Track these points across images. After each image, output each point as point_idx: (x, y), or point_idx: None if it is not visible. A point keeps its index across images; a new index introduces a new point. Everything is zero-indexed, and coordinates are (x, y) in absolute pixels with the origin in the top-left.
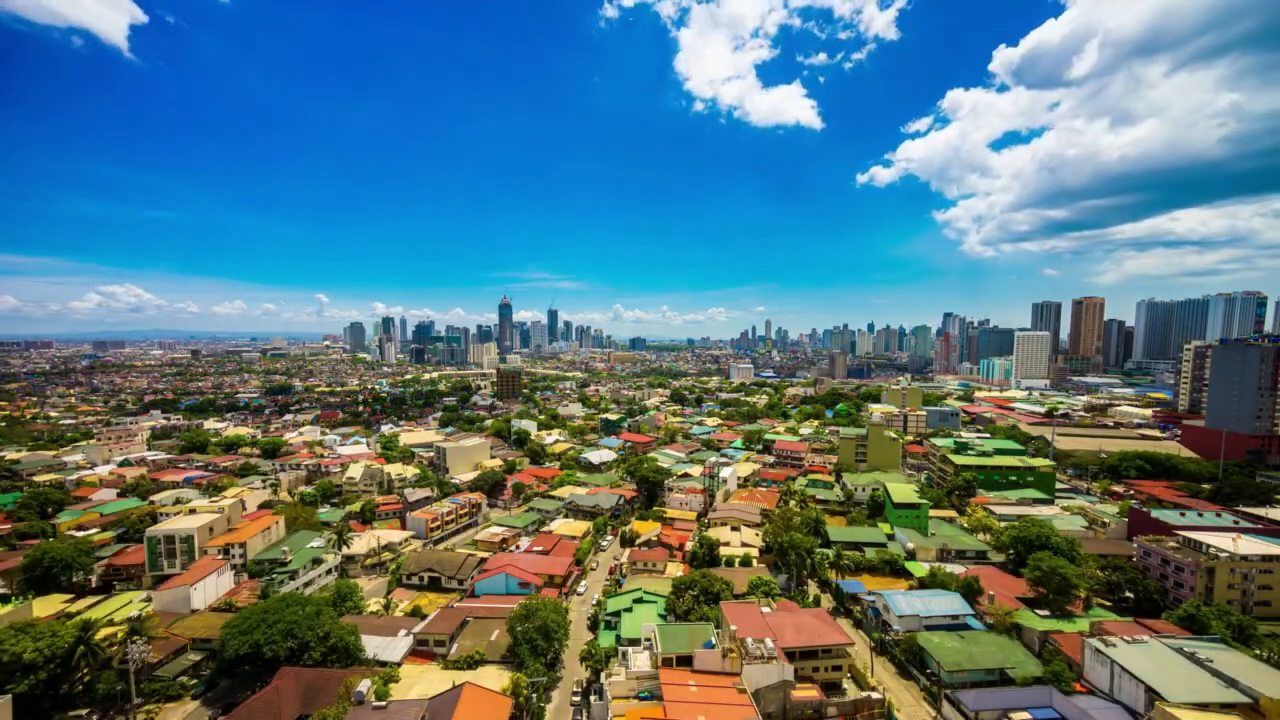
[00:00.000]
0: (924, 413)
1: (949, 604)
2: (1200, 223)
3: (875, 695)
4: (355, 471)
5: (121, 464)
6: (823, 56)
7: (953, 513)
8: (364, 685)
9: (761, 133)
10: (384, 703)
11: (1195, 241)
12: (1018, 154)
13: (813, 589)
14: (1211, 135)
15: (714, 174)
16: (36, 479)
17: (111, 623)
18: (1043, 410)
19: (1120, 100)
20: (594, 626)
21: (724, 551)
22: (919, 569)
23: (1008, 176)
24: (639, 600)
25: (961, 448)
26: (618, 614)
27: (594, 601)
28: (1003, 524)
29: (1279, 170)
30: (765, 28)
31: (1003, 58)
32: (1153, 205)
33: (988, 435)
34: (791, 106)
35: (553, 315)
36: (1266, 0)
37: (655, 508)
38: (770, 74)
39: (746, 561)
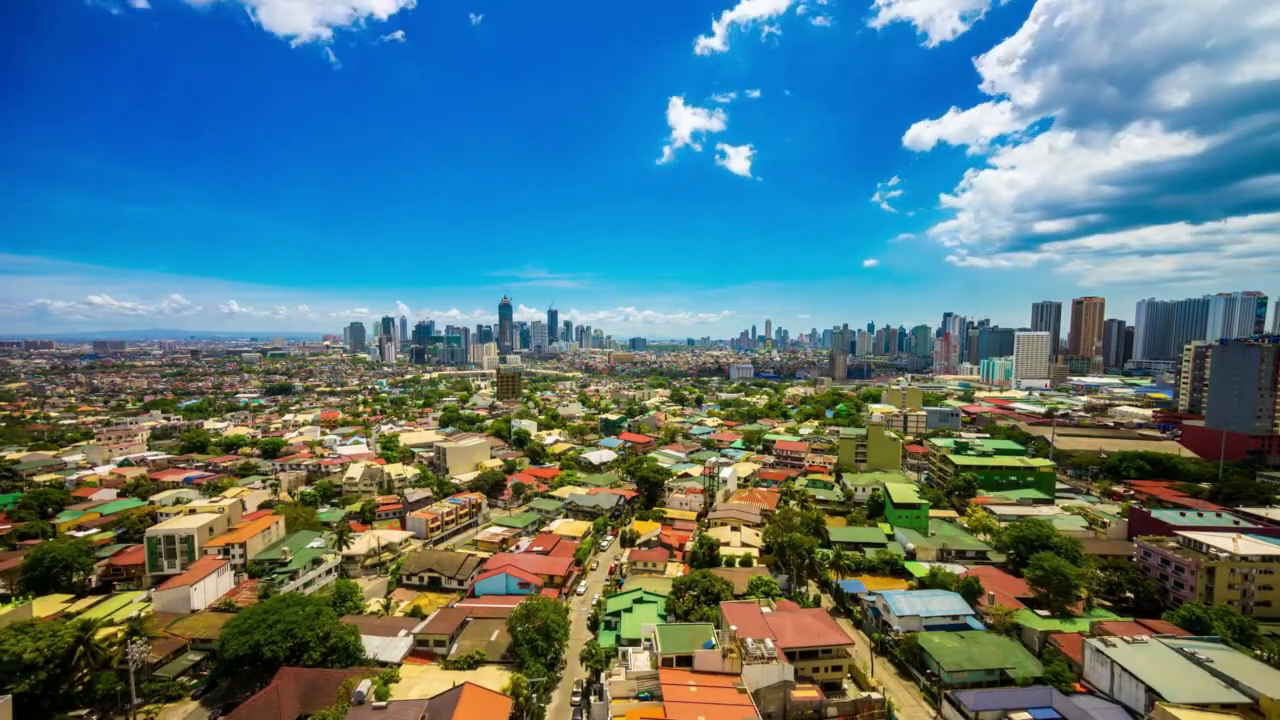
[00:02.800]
0: (924, 413)
1: (949, 604)
2: (1148, 236)
3: (875, 695)
4: (355, 471)
5: (121, 464)
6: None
7: (953, 513)
8: (364, 685)
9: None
10: (384, 703)
11: (1145, 251)
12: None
13: (813, 589)
14: (1079, 178)
15: (704, 196)
16: (36, 479)
17: (111, 623)
18: (1043, 410)
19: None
20: (594, 626)
21: (724, 551)
22: (919, 569)
23: (965, 205)
24: (639, 600)
25: (961, 448)
26: (618, 614)
27: (594, 601)
28: (1003, 524)
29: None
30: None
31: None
32: (1085, 229)
33: (988, 435)
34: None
35: (553, 315)
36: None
37: (655, 508)
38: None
39: (747, 562)
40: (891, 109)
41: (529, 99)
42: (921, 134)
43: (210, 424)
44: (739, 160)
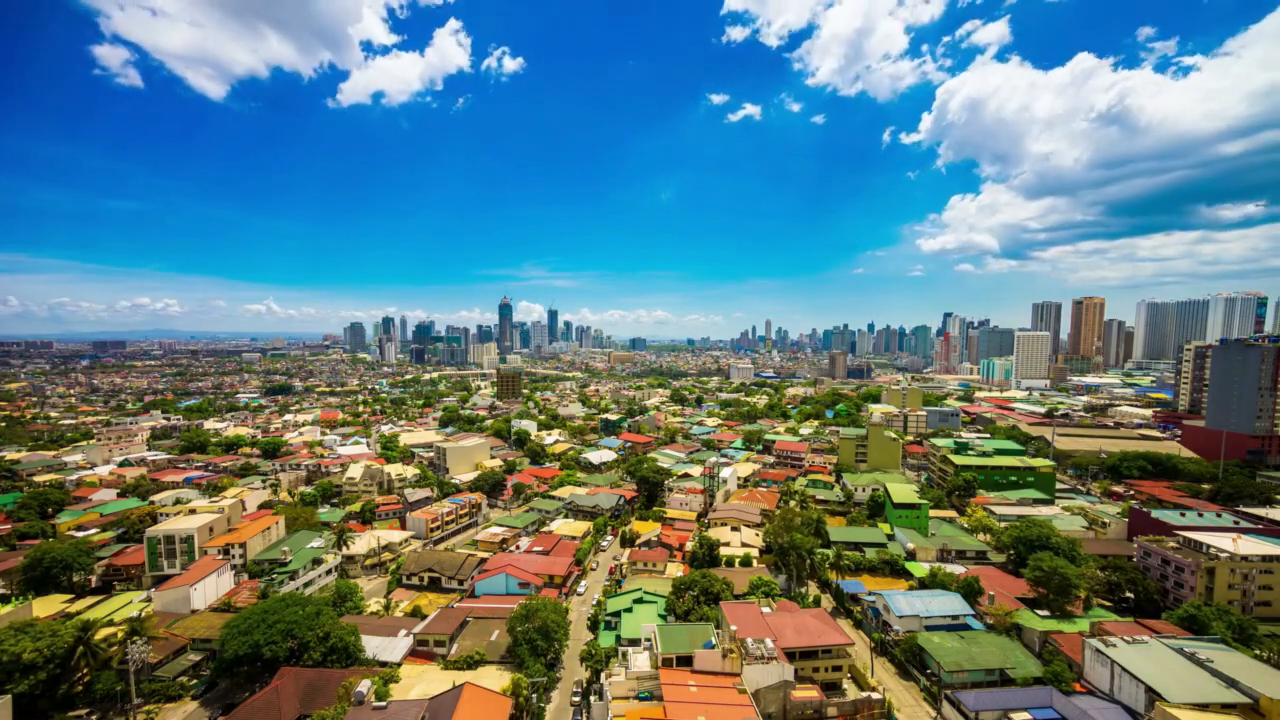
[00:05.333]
0: (924, 413)
1: (949, 604)
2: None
3: (875, 695)
4: (355, 471)
5: (121, 464)
6: None
7: (953, 513)
8: (364, 685)
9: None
10: (384, 703)
11: (1125, 258)
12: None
13: (813, 589)
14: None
15: (705, 217)
16: (36, 479)
17: (111, 623)
18: (1043, 410)
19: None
20: (594, 626)
21: (724, 552)
22: (919, 569)
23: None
24: (639, 600)
25: (961, 448)
26: (618, 614)
27: (594, 601)
28: (1003, 524)
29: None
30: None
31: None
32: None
33: (988, 435)
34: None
35: (553, 315)
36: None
37: (655, 508)
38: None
39: (746, 562)
40: (857, 161)
41: (523, 139)
42: (888, 171)
43: (210, 424)
44: (736, 193)
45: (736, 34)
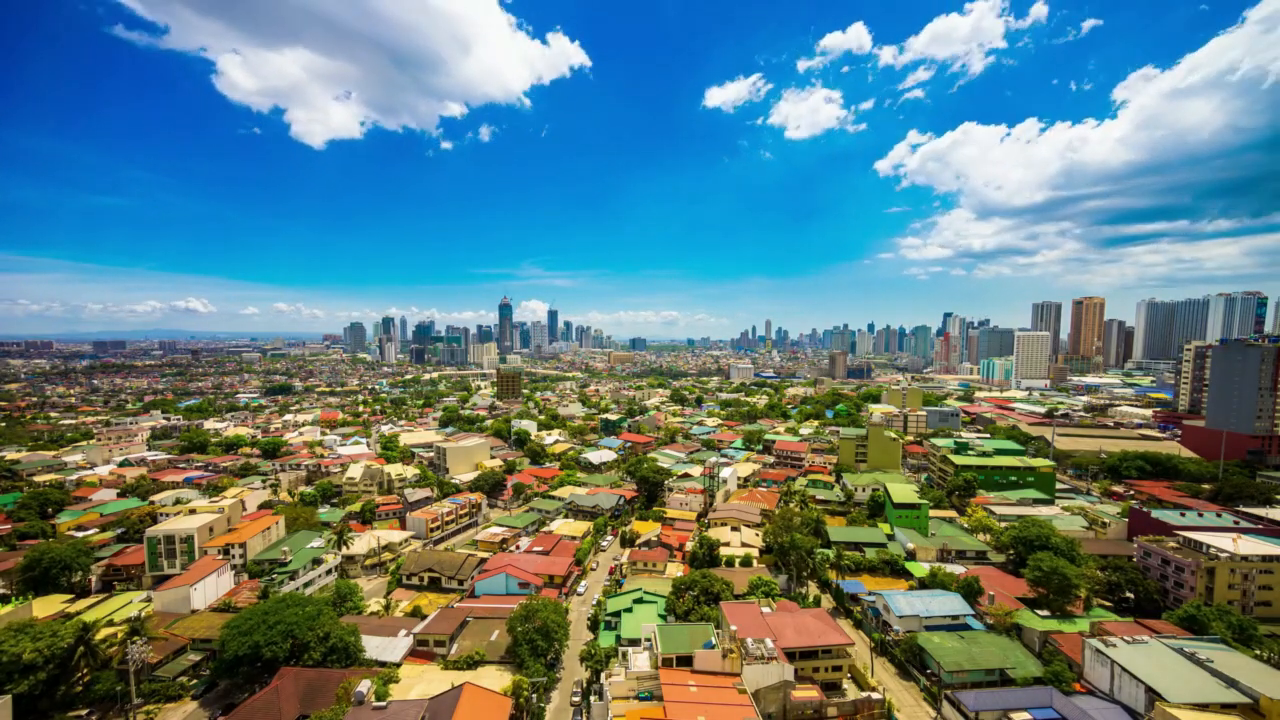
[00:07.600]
0: (924, 413)
1: (949, 604)
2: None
3: (875, 695)
4: (355, 471)
5: (121, 464)
6: None
7: (953, 513)
8: (364, 686)
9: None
10: (384, 703)
11: (1112, 261)
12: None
13: (813, 589)
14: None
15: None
16: (36, 479)
17: (111, 623)
18: (1043, 410)
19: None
20: (594, 626)
21: (724, 552)
22: (919, 569)
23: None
24: (639, 600)
25: (961, 448)
26: (618, 614)
27: (594, 601)
28: (1003, 524)
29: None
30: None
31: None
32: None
33: (988, 435)
34: None
35: (553, 315)
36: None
37: (655, 508)
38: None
39: (747, 562)
40: (842, 185)
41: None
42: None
43: (210, 424)
44: (730, 206)
45: (718, 111)
